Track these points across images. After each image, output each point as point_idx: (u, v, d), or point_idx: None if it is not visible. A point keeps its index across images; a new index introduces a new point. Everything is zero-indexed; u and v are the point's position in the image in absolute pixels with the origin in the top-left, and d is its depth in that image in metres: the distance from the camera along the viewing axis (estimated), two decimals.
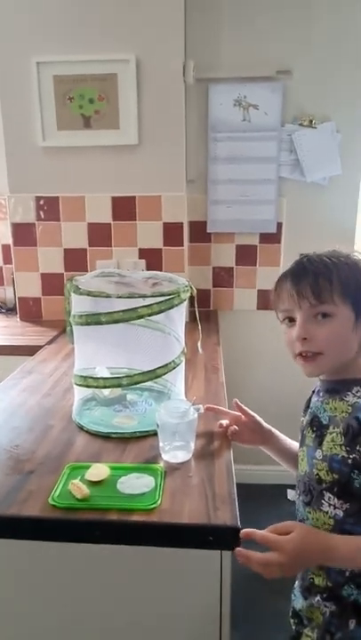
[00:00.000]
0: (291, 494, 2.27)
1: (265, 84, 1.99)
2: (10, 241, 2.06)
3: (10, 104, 1.95)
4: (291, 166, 2.06)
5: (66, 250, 2.05)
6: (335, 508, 0.81)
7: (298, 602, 0.92)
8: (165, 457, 0.97)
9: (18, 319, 2.12)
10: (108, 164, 1.97)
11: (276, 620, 1.61)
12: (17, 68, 1.90)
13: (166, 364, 1.12)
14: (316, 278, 0.81)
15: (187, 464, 0.96)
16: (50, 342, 1.77)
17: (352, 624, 0.83)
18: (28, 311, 2.11)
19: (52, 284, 2.07)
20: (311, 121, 2.01)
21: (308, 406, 0.93)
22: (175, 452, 0.97)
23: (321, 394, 0.89)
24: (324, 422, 0.85)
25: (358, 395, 0.82)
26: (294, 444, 1.02)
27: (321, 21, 1.95)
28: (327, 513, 0.82)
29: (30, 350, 1.71)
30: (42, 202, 2.01)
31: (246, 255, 2.17)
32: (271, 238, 2.13)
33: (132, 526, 0.80)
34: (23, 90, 1.92)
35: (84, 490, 0.86)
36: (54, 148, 1.96)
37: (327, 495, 0.81)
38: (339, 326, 0.82)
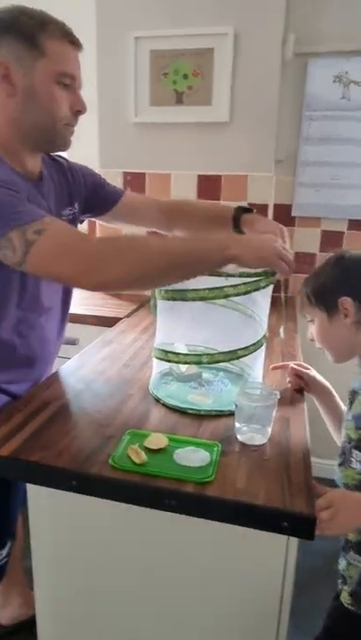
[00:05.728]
0: None
1: None
2: None
3: (106, 79, 1.98)
4: None
5: None
6: None
7: (341, 563, 1.01)
8: (241, 438, 0.97)
9: None
10: (197, 141, 1.96)
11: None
12: (115, 43, 1.93)
13: (247, 347, 1.11)
14: (301, 295, 1.07)
15: (262, 447, 0.95)
16: (128, 315, 1.82)
17: None
18: None
19: None
20: None
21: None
22: (252, 434, 0.96)
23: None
24: (356, 388, 0.96)
25: None
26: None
27: None
28: (355, 469, 0.91)
29: (109, 322, 1.76)
30: (129, 177, 2.04)
31: (332, 241, 2.07)
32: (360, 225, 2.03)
33: (185, 496, 0.82)
34: (120, 65, 1.94)
35: (142, 455, 0.89)
36: (145, 124, 1.98)
37: (355, 452, 0.91)
38: (318, 327, 1.03)
